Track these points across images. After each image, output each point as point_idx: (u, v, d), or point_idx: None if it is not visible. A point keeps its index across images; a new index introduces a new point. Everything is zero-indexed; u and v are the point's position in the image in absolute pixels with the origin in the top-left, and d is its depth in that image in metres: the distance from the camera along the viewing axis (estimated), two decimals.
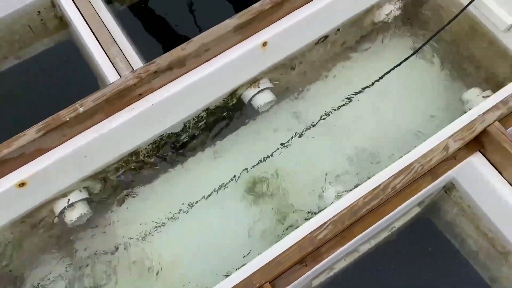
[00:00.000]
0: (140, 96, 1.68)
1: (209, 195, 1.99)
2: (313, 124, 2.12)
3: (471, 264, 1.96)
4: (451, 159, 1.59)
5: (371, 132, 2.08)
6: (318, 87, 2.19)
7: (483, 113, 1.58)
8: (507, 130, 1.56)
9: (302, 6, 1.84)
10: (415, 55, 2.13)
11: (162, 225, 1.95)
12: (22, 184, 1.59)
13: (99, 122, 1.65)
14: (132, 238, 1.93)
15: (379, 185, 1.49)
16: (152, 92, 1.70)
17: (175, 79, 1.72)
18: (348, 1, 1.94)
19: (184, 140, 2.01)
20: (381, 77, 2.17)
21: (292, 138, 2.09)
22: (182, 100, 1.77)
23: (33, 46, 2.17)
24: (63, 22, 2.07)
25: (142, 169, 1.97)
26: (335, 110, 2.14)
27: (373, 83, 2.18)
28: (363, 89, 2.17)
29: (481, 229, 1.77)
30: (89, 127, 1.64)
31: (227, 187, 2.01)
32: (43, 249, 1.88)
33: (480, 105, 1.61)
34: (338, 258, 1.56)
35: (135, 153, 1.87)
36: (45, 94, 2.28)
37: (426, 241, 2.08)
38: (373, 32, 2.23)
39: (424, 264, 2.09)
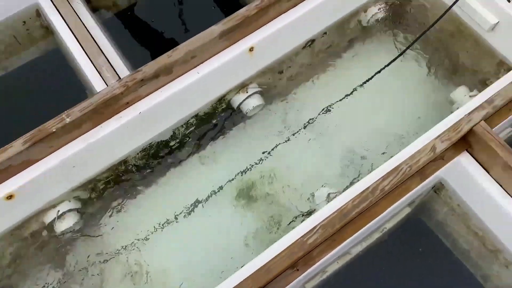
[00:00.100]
0: (128, 104, 1.68)
1: (200, 202, 1.99)
2: (302, 127, 2.13)
3: (463, 263, 1.97)
4: (439, 159, 1.60)
5: (359, 135, 2.09)
6: (306, 91, 2.20)
7: (469, 113, 1.59)
8: (493, 129, 1.58)
9: (287, 10, 1.84)
10: (401, 56, 2.14)
11: (154, 233, 1.94)
12: (10, 197, 1.58)
13: (87, 131, 1.64)
14: (123, 247, 1.92)
15: (368, 188, 1.49)
16: (139, 100, 1.70)
17: (162, 86, 1.72)
18: (333, 4, 1.95)
19: (174, 147, 2.01)
20: (369, 79, 2.19)
21: (281, 142, 2.09)
22: (170, 107, 1.77)
23: (19, 56, 2.15)
24: (49, 31, 2.05)
25: (132, 178, 1.97)
26: (324, 113, 2.15)
27: (361, 85, 2.19)
28: (352, 91, 2.18)
29: (471, 228, 1.78)
30: (76, 137, 1.63)
31: (218, 192, 2.01)
32: (33, 260, 1.86)
33: (466, 105, 1.62)
34: (330, 261, 1.57)
35: (124, 161, 1.86)
36: (32, 104, 2.27)
37: (418, 241, 2.09)
38: (359, 35, 2.24)
39: (416, 263, 2.10)
